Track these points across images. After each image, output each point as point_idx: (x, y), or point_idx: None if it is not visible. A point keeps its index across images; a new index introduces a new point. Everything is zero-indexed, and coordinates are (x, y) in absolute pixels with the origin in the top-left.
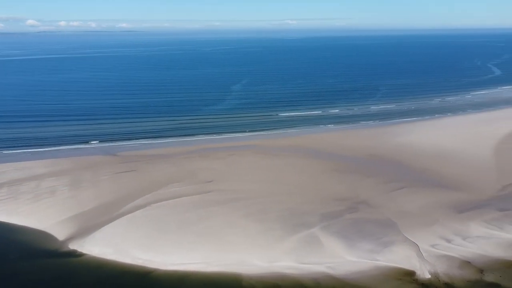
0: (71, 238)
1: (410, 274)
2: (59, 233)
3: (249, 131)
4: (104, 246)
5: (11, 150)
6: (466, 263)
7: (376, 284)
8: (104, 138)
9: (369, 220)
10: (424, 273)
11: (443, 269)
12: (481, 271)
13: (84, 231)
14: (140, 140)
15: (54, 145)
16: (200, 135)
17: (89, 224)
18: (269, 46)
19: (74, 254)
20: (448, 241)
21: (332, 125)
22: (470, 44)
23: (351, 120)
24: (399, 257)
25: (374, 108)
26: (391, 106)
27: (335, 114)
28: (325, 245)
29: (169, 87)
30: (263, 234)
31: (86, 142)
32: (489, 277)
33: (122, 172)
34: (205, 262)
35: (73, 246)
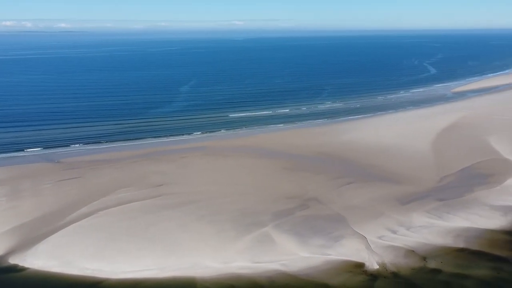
0: (11, 252)
1: (360, 266)
2: None
3: (200, 133)
4: (49, 259)
5: None
6: (410, 252)
7: (328, 278)
8: (45, 144)
9: (319, 216)
10: (372, 264)
11: (390, 259)
12: (424, 258)
13: (25, 244)
14: (85, 145)
15: None
16: (149, 139)
17: (31, 236)
18: (217, 46)
19: (15, 269)
20: (394, 232)
21: (282, 125)
22: (409, 44)
23: (299, 119)
24: (349, 250)
25: (321, 107)
26: (337, 105)
27: (284, 113)
28: (278, 243)
29: (114, 89)
30: (217, 236)
31: (25, 149)
32: (431, 264)
33: (65, 180)
34: (158, 268)
35: (14, 260)
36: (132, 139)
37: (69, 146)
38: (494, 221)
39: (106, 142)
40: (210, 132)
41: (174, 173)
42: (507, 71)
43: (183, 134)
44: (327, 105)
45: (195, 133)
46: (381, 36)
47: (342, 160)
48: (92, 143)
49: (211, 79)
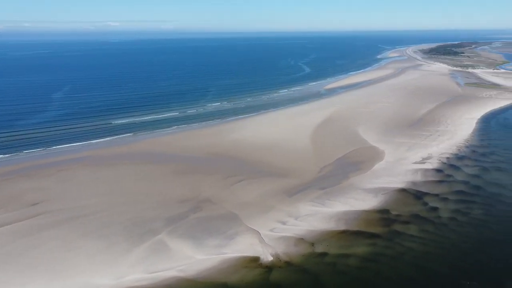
0: None
1: (255, 260)
2: None
3: (80, 143)
4: None
5: None
6: (300, 240)
7: (226, 277)
8: None
9: (213, 216)
10: (267, 256)
11: (282, 249)
12: (312, 244)
13: None
14: None
15: None
16: (18, 153)
17: None
18: (91, 49)
19: None
20: (284, 223)
21: (170, 128)
22: (285, 46)
23: (188, 121)
24: (243, 246)
25: (209, 108)
26: (223, 105)
27: (172, 116)
28: (174, 248)
29: None
30: (107, 250)
31: None
32: (319, 248)
33: None
34: None
35: None
36: None
37: None
38: (367, 203)
39: None
40: (91, 140)
41: (53, 188)
42: (368, 68)
43: (60, 145)
44: (214, 106)
45: (74, 143)
46: (260, 37)
47: (232, 158)
48: None
49: (88, 84)
